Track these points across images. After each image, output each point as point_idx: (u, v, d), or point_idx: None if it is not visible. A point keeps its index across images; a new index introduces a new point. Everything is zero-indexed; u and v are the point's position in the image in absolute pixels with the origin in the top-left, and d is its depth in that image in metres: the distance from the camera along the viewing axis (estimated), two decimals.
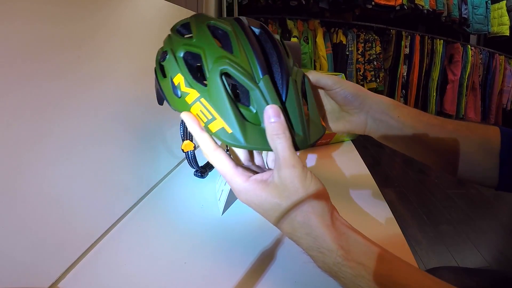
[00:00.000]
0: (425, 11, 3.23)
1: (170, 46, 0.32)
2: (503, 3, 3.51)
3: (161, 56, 0.32)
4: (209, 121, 0.28)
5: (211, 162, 0.30)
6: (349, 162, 0.67)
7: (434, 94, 3.57)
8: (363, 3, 3.06)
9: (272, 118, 0.28)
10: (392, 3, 3.11)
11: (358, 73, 3.26)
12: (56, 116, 0.33)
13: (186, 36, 0.33)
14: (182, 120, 0.31)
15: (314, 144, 0.33)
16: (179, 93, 0.30)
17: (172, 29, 0.34)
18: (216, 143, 0.30)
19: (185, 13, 0.71)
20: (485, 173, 0.39)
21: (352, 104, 0.41)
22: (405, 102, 3.53)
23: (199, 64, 0.30)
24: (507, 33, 3.51)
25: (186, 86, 0.29)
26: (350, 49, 3.23)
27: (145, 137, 0.50)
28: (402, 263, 0.27)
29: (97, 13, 0.40)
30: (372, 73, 3.29)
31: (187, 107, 0.29)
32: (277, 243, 0.39)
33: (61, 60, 0.34)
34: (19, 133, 0.28)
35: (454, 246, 1.52)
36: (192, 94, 0.29)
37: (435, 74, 3.53)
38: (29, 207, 0.29)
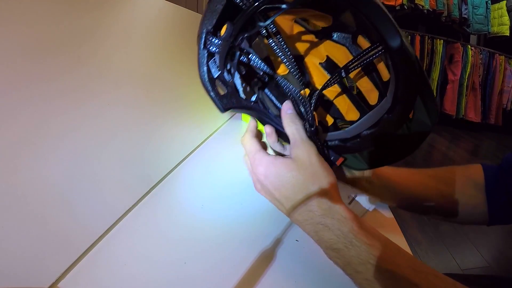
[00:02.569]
0: (425, 11, 3.23)
1: None
2: (503, 3, 3.51)
3: None
4: None
5: (244, 144, 0.35)
6: None
7: (434, 94, 3.56)
8: None
9: (289, 110, 0.33)
10: (392, 3, 3.11)
11: None
12: (56, 115, 0.33)
13: None
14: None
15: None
16: None
17: None
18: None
19: (185, 13, 0.71)
20: (475, 210, 0.42)
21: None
22: None
23: None
24: (507, 33, 3.51)
25: None
26: None
27: (145, 137, 0.50)
28: (406, 253, 0.28)
29: (96, 13, 0.40)
30: None
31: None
32: (277, 244, 0.39)
33: (61, 59, 0.34)
34: (19, 133, 0.28)
35: (454, 247, 1.52)
36: None
37: (435, 74, 3.53)
38: (29, 207, 0.29)
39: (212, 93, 0.32)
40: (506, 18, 3.49)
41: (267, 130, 0.35)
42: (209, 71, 0.32)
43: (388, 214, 0.47)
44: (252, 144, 0.34)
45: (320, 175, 0.30)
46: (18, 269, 0.28)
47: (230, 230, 0.42)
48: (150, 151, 0.51)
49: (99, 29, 0.40)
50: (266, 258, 0.37)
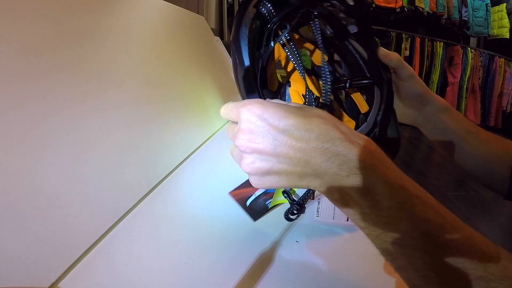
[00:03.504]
0: (425, 14, 3.24)
1: None
2: (503, 6, 3.52)
3: None
4: None
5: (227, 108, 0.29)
6: None
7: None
8: None
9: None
10: (392, 5, 3.12)
11: None
12: (56, 115, 0.33)
13: None
14: None
15: None
16: None
17: None
18: None
19: (185, 14, 0.71)
20: (500, 182, 0.45)
21: (411, 101, 0.47)
22: None
23: None
24: (507, 35, 3.52)
25: None
26: None
27: (145, 137, 0.50)
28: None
29: (97, 14, 0.40)
30: None
31: None
32: (277, 244, 0.39)
33: (61, 60, 0.34)
34: (19, 132, 0.28)
35: None
36: None
37: (435, 76, 3.54)
38: (29, 206, 0.29)
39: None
40: (506, 21, 3.50)
41: None
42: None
43: None
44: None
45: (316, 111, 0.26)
46: (18, 269, 0.28)
47: (230, 231, 0.42)
48: (150, 152, 0.51)
49: (99, 30, 0.40)
50: (266, 258, 0.37)
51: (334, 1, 0.39)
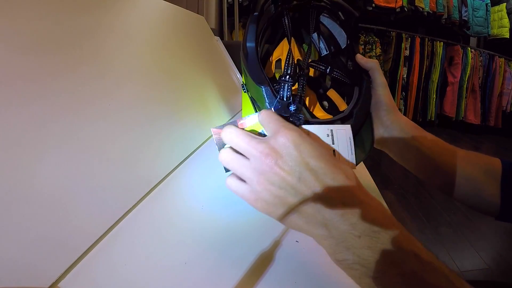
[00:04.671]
0: (425, 13, 3.24)
1: None
2: (503, 6, 3.52)
3: None
4: None
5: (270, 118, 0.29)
6: None
7: (434, 96, 3.57)
8: (364, 5, 3.07)
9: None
10: (392, 5, 3.12)
11: None
12: (56, 115, 0.33)
13: None
14: None
15: None
16: None
17: None
18: None
19: (185, 14, 0.71)
20: (488, 199, 0.41)
21: (378, 112, 0.44)
22: (405, 104, 3.54)
23: None
24: (507, 35, 3.52)
25: None
26: None
27: (145, 137, 0.50)
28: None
29: (97, 14, 0.40)
30: None
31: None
32: (277, 244, 0.39)
33: (62, 60, 0.34)
34: (19, 133, 0.28)
35: (453, 249, 1.52)
36: None
37: (435, 76, 3.54)
38: (29, 206, 0.29)
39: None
40: (506, 21, 3.50)
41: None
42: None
43: None
44: (276, 117, 0.28)
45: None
46: (18, 269, 0.28)
47: (230, 230, 0.42)
48: (150, 152, 0.51)
49: (100, 30, 0.40)
50: (266, 258, 0.37)
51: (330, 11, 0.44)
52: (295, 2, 0.42)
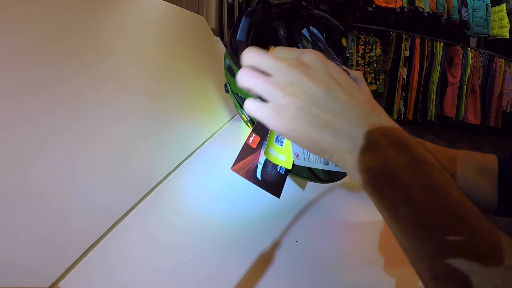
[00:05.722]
0: (425, 14, 3.24)
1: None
2: (503, 6, 3.53)
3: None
4: None
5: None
6: None
7: (434, 96, 3.57)
8: (364, 5, 3.07)
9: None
10: (392, 5, 3.12)
11: None
12: (56, 115, 0.33)
13: None
14: None
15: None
16: None
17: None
18: None
19: (185, 14, 0.71)
20: (485, 197, 0.40)
21: None
22: (405, 104, 3.54)
23: None
24: (507, 36, 3.52)
25: None
26: (350, 51, 3.24)
27: (145, 137, 0.50)
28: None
29: (97, 14, 0.40)
30: (372, 75, 3.30)
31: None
32: (277, 245, 0.39)
33: (62, 60, 0.34)
34: (19, 133, 0.28)
35: None
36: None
37: (435, 76, 3.54)
38: (29, 206, 0.29)
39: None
40: (506, 21, 3.50)
41: None
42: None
43: None
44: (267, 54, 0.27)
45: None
46: (18, 269, 0.28)
47: (230, 231, 0.42)
48: (150, 152, 0.51)
49: (100, 30, 0.40)
50: (266, 258, 0.37)
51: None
52: (286, 6, 0.41)
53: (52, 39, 0.33)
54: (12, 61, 0.29)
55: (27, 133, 0.29)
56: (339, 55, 0.43)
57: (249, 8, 0.37)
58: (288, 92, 0.24)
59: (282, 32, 0.40)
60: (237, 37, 0.36)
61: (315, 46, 0.43)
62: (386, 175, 0.23)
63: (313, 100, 0.24)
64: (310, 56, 0.26)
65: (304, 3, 0.41)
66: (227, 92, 0.44)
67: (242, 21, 0.37)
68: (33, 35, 0.31)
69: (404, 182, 0.22)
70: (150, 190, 0.50)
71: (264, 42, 0.43)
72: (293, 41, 0.44)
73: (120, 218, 0.43)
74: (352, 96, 0.25)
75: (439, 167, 0.24)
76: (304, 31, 0.43)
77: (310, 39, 0.44)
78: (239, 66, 0.33)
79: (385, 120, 0.25)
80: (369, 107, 0.25)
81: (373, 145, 0.24)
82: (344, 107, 0.24)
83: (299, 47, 0.44)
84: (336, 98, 0.24)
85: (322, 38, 0.43)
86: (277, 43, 0.42)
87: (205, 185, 0.53)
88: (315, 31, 0.42)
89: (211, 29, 0.91)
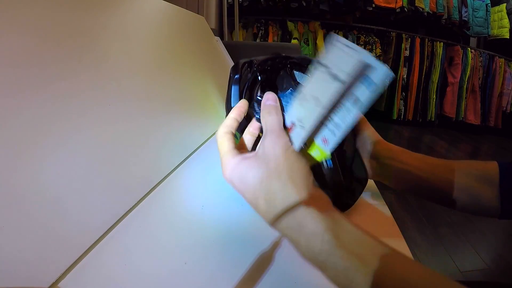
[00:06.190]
0: (425, 14, 3.24)
1: None
2: (503, 6, 3.52)
3: None
4: None
5: (218, 142, 0.32)
6: None
7: (434, 96, 3.57)
8: (364, 5, 3.07)
9: (268, 101, 0.31)
10: (392, 5, 3.12)
11: None
12: (56, 115, 0.33)
13: None
14: None
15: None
16: None
17: None
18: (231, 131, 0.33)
19: (185, 14, 0.71)
20: (487, 204, 0.41)
21: (363, 147, 0.45)
22: (405, 104, 3.54)
23: None
24: (507, 35, 3.52)
25: None
26: None
27: (145, 138, 0.50)
28: (400, 255, 0.24)
29: (97, 16, 0.40)
30: None
31: None
32: (277, 244, 0.39)
33: (62, 60, 0.34)
34: (19, 133, 0.28)
35: (453, 249, 1.52)
36: None
37: (435, 76, 3.54)
38: (30, 207, 0.29)
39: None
40: (506, 21, 3.50)
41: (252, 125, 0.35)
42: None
43: (388, 216, 0.47)
44: (222, 141, 0.32)
45: (284, 170, 0.26)
46: (18, 269, 0.28)
47: (230, 230, 0.42)
48: (150, 152, 0.51)
49: (100, 30, 0.40)
50: (267, 258, 0.37)
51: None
52: (268, 63, 0.44)
53: (52, 39, 0.33)
54: (13, 61, 0.29)
55: (26, 133, 0.29)
56: None
57: (236, 76, 0.41)
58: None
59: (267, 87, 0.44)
60: (231, 105, 0.40)
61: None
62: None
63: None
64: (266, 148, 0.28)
65: (282, 54, 0.44)
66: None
67: (232, 90, 0.40)
68: (33, 35, 0.31)
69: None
70: (150, 190, 0.50)
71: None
72: (281, 87, 0.46)
73: (120, 218, 0.43)
74: (243, 194, 0.29)
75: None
76: (289, 91, 0.45)
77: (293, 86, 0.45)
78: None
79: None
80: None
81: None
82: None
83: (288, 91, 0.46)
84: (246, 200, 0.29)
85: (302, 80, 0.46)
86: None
87: (205, 185, 0.53)
88: (297, 73, 0.45)
89: (211, 29, 0.91)
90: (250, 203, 0.29)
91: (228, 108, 0.41)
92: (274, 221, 0.26)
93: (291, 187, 0.26)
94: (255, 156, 0.28)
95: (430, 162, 0.44)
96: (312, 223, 0.24)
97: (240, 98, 0.40)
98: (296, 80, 0.43)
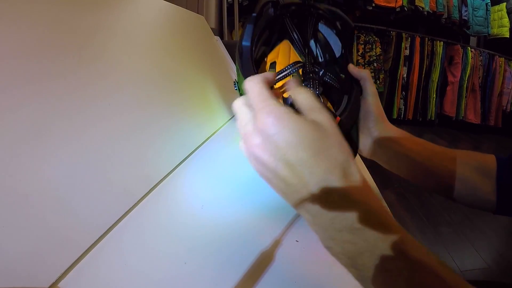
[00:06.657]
0: (425, 13, 3.24)
1: None
2: (503, 5, 3.52)
3: None
4: None
5: (247, 88, 0.27)
6: None
7: (434, 95, 3.57)
8: (364, 4, 3.07)
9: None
10: (392, 4, 3.12)
11: None
12: (57, 115, 0.33)
13: None
14: None
15: None
16: None
17: None
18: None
19: (185, 14, 0.71)
20: (484, 197, 0.41)
21: (366, 121, 0.44)
22: (405, 104, 3.54)
23: None
24: (507, 35, 3.52)
25: None
26: None
27: (145, 137, 0.50)
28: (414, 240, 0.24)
29: (97, 15, 0.40)
30: (372, 74, 3.30)
31: None
32: (277, 244, 0.39)
33: (62, 60, 0.34)
34: (20, 133, 0.28)
35: (453, 248, 1.52)
36: None
37: (435, 75, 3.54)
38: (30, 206, 0.29)
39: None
40: (506, 20, 3.50)
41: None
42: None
43: None
44: (261, 87, 0.26)
45: (346, 146, 0.25)
46: (18, 269, 0.28)
47: (230, 230, 0.42)
48: (150, 151, 0.51)
49: (100, 30, 0.40)
50: (266, 258, 0.37)
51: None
52: (293, 8, 0.43)
53: (52, 38, 0.33)
54: (13, 61, 0.29)
55: (27, 133, 0.29)
56: (350, 52, 0.45)
57: (253, 14, 0.39)
58: (249, 144, 0.25)
59: (293, 34, 0.43)
60: (243, 42, 0.38)
61: (322, 48, 0.46)
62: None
63: (267, 170, 0.25)
64: (262, 126, 0.25)
65: (311, 1, 0.43)
66: (236, 89, 0.46)
67: (246, 27, 0.39)
68: (33, 34, 0.31)
69: (362, 264, 0.23)
70: (150, 189, 0.50)
71: (272, 40, 0.46)
72: (304, 40, 0.45)
73: (120, 217, 0.43)
74: (298, 177, 0.24)
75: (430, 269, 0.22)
76: (311, 42, 0.45)
77: (314, 52, 0.45)
78: (242, 70, 0.35)
79: (335, 200, 0.23)
80: (320, 189, 0.23)
81: (326, 228, 0.24)
82: (295, 186, 0.24)
83: (307, 47, 0.45)
84: (279, 181, 0.25)
85: (330, 36, 0.45)
86: (289, 37, 0.45)
87: (205, 185, 0.53)
88: (324, 28, 0.44)
89: (211, 28, 0.91)
90: (288, 163, 0.24)
91: (239, 46, 0.38)
92: (313, 191, 0.24)
93: (350, 160, 0.24)
94: (313, 121, 0.25)
95: (430, 148, 0.43)
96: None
97: (253, 38, 0.39)
98: (318, 37, 0.43)
